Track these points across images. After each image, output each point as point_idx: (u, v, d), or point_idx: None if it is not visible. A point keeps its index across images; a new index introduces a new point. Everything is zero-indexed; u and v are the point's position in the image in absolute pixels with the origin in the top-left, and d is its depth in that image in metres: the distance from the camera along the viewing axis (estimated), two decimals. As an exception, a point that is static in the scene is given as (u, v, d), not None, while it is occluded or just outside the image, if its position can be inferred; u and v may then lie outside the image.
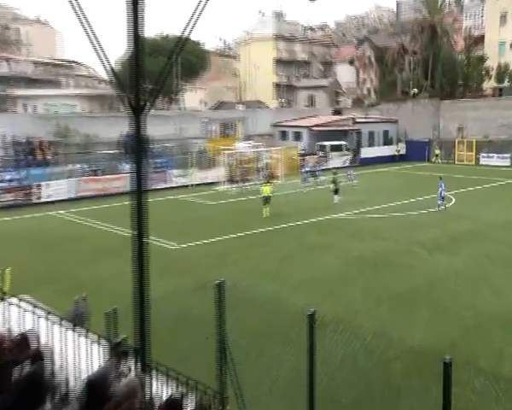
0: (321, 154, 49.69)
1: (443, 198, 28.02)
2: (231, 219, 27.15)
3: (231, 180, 37.42)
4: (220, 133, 53.67)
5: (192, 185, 38.78)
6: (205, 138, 49.87)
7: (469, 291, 16.00)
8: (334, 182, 31.90)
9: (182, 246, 21.78)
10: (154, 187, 35.32)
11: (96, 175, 36.55)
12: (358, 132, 54.26)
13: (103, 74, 65.25)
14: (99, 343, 5.98)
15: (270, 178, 36.67)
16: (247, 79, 75.58)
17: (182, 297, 14.81)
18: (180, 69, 52.77)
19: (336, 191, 30.93)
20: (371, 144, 55.84)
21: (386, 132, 57.17)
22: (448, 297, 15.46)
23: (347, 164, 49.70)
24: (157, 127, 44.67)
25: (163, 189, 36.81)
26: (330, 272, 17.95)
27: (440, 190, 27.90)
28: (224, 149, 40.76)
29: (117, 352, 5.48)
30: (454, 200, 30.92)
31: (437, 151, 52.42)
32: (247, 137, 52.04)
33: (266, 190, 28.15)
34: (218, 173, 39.52)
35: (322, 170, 45.77)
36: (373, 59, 75.19)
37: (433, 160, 52.05)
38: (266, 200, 27.72)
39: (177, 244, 21.96)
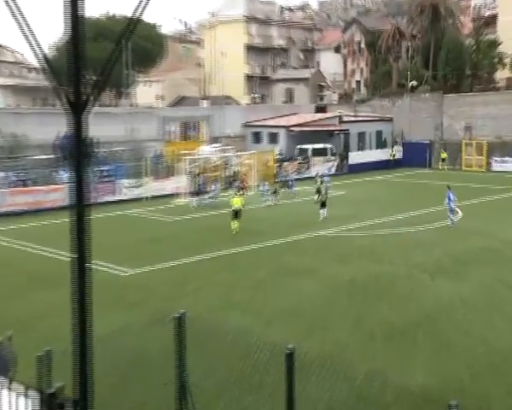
0: (301, 159, 50.17)
1: (452, 211, 28.42)
2: (194, 239, 27.14)
3: (194, 191, 37.45)
4: (181, 135, 53.65)
5: (147, 198, 38.63)
6: (162, 141, 49.81)
7: (480, 323, 16.23)
8: (318, 192, 32.00)
9: (135, 272, 21.66)
10: (99, 200, 35.06)
11: (25, 186, 36.05)
12: (346, 133, 54.96)
13: (34, 61, 64.77)
14: (27, 396, 5.86)
15: (242, 188, 36.78)
16: (213, 69, 75.91)
17: (135, 334, 14.68)
18: (131, 57, 52.68)
19: (323, 204, 31.05)
20: (362, 147, 56.58)
21: (379, 133, 58.03)
22: (455, 330, 15.66)
23: (333, 171, 50.24)
24: (103, 127, 44.14)
25: (111, 202, 36.62)
26: (314, 302, 18.03)
27: (448, 201, 28.28)
28: (185, 154, 40.71)
29: (50, 405, 5.38)
30: (461, 213, 31.47)
31: (444, 155, 53.04)
32: (214, 140, 52.13)
33: (237, 202, 28.43)
34: (178, 183, 39.43)
35: (302, 179, 46.06)
36: (363, 45, 76.39)
37: (440, 166, 52.69)
38: (236, 214, 27.93)
39: (130, 270, 21.83)
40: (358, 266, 21.91)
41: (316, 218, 30.85)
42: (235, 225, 27.79)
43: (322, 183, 34.46)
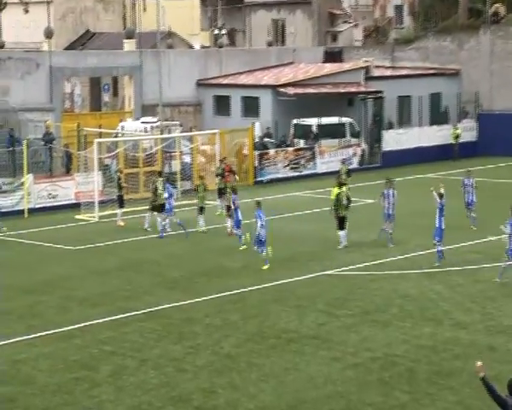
0: (301, 143, 50.32)
1: None
2: (114, 283, 27.20)
3: (115, 199, 37.20)
4: (89, 100, 53.60)
5: (26, 212, 38.53)
6: (55, 111, 49.49)
7: None
8: (338, 201, 31.58)
9: (3, 344, 21.45)
10: None
11: None
12: (378, 98, 55.16)
13: None
14: None
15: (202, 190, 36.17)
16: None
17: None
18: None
19: (342, 221, 31.23)
20: (404, 122, 56.96)
21: (435, 98, 58.44)
22: None
23: (356, 164, 50.29)
24: None
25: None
26: (321, 395, 17.88)
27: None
28: (96, 135, 40.59)
29: None
30: None
31: None
32: (146, 110, 51.90)
33: (341, 192, 31.09)
34: (84, 186, 39.49)
35: (302, 177, 46.10)
36: None
37: None
38: (345, 216, 31.04)
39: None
40: (400, 331, 21.85)
41: (322, 245, 31.03)
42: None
43: (344, 177, 34.28)
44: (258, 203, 29.79)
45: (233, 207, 32.49)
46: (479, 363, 11.51)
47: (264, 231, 28.85)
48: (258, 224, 28.80)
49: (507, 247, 26.09)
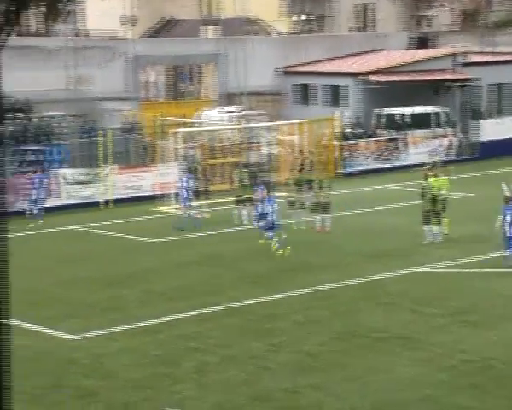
0: (386, 135, 49.98)
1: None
2: (194, 277, 27.48)
3: (195, 191, 37.30)
4: (168, 89, 53.83)
5: (107, 203, 39.05)
6: (134, 100, 49.82)
7: None
8: (423, 194, 31.40)
9: (85, 337, 21.85)
10: (19, 207, 35.41)
11: None
12: (473, 86, 54.36)
13: None
14: None
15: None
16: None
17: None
18: None
19: (427, 215, 30.93)
20: (502, 111, 56.04)
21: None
22: None
23: (450, 155, 49.74)
24: (25, 74, 44.25)
25: (45, 209, 36.70)
26: (409, 398, 17.70)
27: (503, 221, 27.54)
28: (176, 125, 40.70)
29: None
30: None
31: None
32: (227, 99, 51.98)
33: (442, 184, 31.25)
34: (164, 177, 39.73)
35: (389, 170, 45.73)
36: None
37: None
38: (433, 210, 30.55)
39: (76, 334, 21.99)
40: (498, 333, 21.58)
41: (412, 240, 30.87)
42: (446, 224, 30.72)
43: (433, 177, 33.84)
44: (268, 189, 31.69)
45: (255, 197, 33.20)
46: None
47: (276, 217, 30.23)
48: (270, 209, 30.21)
49: None
